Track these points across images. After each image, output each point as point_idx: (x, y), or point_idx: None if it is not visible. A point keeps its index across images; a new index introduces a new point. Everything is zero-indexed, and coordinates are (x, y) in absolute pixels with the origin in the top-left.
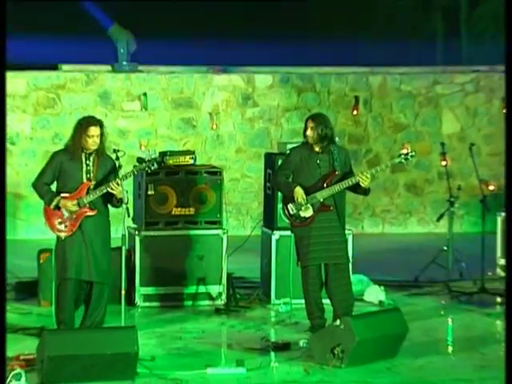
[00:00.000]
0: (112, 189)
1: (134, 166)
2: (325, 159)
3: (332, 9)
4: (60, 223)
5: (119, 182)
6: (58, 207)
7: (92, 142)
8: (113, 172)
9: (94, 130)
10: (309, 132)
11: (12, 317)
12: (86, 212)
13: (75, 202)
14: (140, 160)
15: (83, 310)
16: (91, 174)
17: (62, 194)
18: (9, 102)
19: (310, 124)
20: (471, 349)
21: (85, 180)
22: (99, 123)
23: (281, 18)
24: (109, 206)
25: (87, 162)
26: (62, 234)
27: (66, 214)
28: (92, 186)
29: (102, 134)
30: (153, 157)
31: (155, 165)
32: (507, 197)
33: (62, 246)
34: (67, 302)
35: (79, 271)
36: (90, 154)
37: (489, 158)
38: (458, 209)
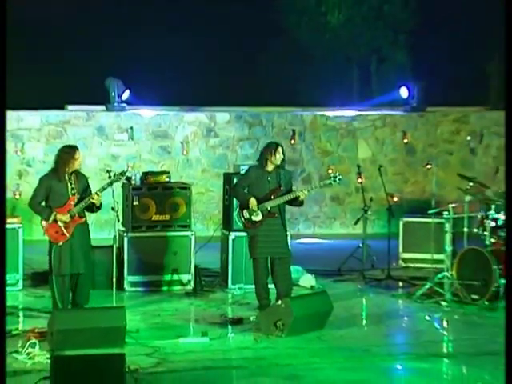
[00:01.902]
0: (93, 199)
1: (110, 181)
2: (273, 177)
3: (277, 65)
4: (57, 232)
5: (98, 193)
6: (54, 220)
7: (78, 163)
8: (87, 185)
9: (78, 154)
10: (278, 156)
11: (29, 299)
12: (77, 221)
13: (68, 214)
14: (122, 173)
15: (71, 296)
16: (75, 190)
17: (56, 209)
18: (26, 133)
19: (280, 150)
20: (380, 322)
21: (70, 195)
22: (78, 148)
23: (237, 71)
24: (87, 212)
25: (70, 181)
26: (60, 241)
27: (62, 225)
28: (76, 199)
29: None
30: (119, 172)
31: (122, 178)
32: (507, 198)
33: (58, 249)
34: (65, 292)
35: (72, 267)
36: (71, 174)
37: (393, 176)
38: (370, 215)
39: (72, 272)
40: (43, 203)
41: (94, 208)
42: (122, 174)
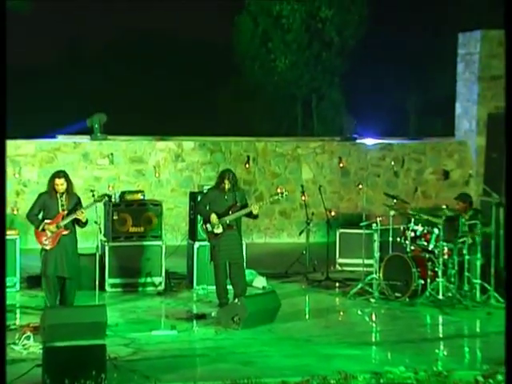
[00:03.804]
0: (78, 215)
1: (94, 201)
2: (230, 195)
3: (235, 102)
4: (45, 240)
5: (83, 211)
6: (43, 229)
7: (59, 187)
8: (78, 203)
9: (58, 181)
10: (231, 181)
11: (24, 299)
12: (62, 232)
13: (55, 225)
14: (104, 195)
15: (59, 297)
16: (64, 207)
17: (46, 221)
18: (23, 159)
19: (231, 176)
20: (320, 316)
21: (60, 211)
22: (63, 175)
23: (202, 107)
24: (77, 226)
25: (61, 199)
26: (47, 247)
27: (49, 234)
28: (65, 214)
29: (67, 181)
30: (101, 194)
31: (104, 199)
32: (507, 199)
33: (46, 254)
34: (51, 291)
35: (57, 270)
36: (62, 193)
37: (331, 194)
38: (312, 227)
39: (56, 274)
40: (40, 215)
41: (80, 223)
42: (103, 196)
